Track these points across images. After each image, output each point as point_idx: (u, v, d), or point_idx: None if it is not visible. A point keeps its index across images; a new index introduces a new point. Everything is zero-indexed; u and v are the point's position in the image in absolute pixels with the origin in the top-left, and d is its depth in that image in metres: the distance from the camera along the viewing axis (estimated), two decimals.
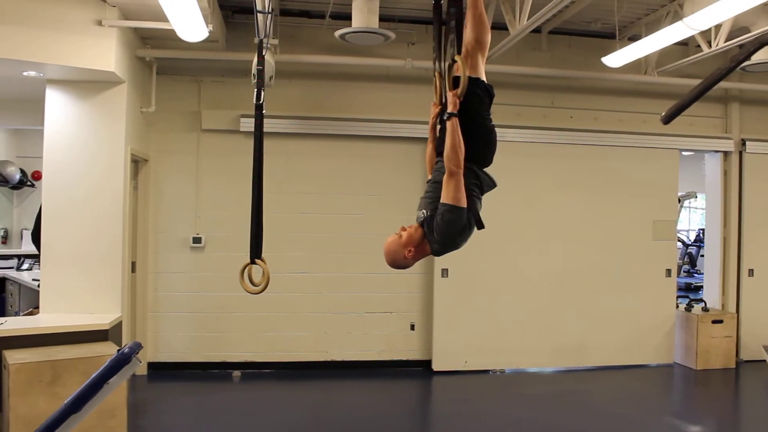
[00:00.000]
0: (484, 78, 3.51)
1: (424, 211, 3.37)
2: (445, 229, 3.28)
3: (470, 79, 3.31)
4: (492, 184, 3.54)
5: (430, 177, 3.56)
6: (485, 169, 3.49)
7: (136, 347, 2.85)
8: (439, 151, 3.46)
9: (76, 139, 5.88)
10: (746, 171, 8.29)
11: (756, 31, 6.19)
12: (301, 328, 7.43)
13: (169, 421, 5.64)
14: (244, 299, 6.87)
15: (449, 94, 3.40)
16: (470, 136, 3.24)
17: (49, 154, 5.85)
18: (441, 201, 3.30)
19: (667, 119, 2.92)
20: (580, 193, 7.83)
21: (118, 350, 2.83)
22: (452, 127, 3.24)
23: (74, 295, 5.82)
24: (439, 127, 3.59)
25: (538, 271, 7.76)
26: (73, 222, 5.85)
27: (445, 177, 3.28)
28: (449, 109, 3.31)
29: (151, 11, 5.48)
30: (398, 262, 3.36)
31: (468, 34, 3.41)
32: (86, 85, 5.84)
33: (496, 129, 3.49)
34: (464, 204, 3.26)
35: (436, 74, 3.64)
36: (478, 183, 3.42)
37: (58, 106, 5.86)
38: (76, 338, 5.29)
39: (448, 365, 7.53)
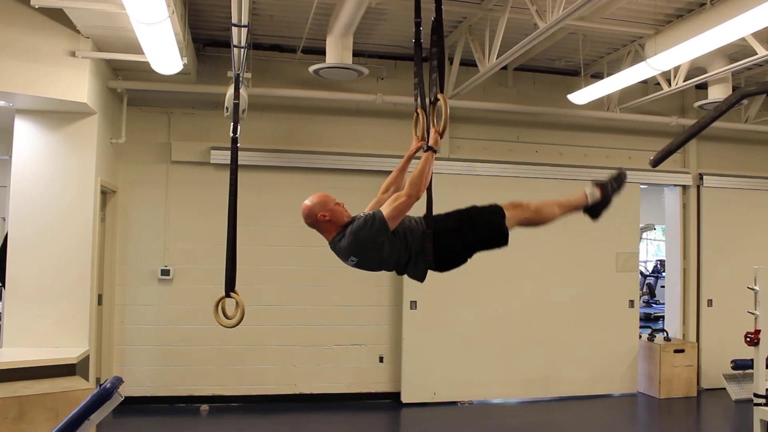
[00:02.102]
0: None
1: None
2: (357, 227, 3.39)
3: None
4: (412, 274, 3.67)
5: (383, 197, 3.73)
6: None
7: (118, 382, 2.84)
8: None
9: (45, 170, 5.83)
10: (704, 204, 8.55)
11: (712, 72, 6.47)
12: (269, 360, 7.38)
13: None
14: (212, 332, 6.86)
15: (432, 130, 3.53)
16: (450, 245, 3.58)
17: (16, 184, 5.77)
18: (379, 209, 3.42)
19: (656, 163, 3.06)
20: (546, 226, 7.95)
21: (100, 385, 2.81)
22: (428, 158, 3.39)
23: (39, 329, 5.70)
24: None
25: (505, 303, 7.85)
26: (40, 253, 5.77)
27: (398, 193, 3.42)
28: (430, 144, 3.45)
29: (124, 43, 5.51)
30: (311, 213, 3.51)
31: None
32: (57, 115, 5.81)
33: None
34: (390, 227, 3.38)
35: (419, 110, 3.75)
36: (411, 255, 3.54)
37: (26, 135, 5.82)
38: (42, 373, 5.18)
39: (417, 397, 7.54)
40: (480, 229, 3.74)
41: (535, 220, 3.86)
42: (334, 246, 3.58)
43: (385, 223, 3.38)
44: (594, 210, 4.02)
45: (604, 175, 4.09)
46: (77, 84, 5.53)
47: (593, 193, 3.94)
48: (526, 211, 3.80)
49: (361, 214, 3.49)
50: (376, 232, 3.38)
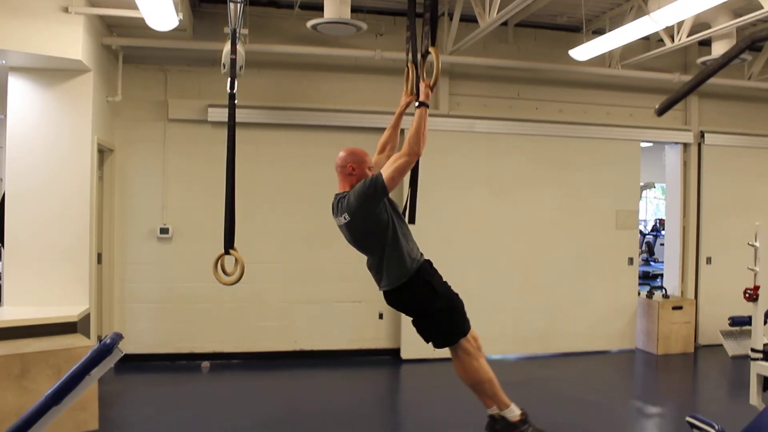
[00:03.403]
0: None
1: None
2: (359, 188, 3.44)
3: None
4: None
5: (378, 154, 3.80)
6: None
7: (117, 338, 2.84)
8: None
9: (41, 129, 5.78)
10: (705, 162, 8.51)
11: (715, 27, 6.37)
12: (269, 318, 7.42)
13: (139, 413, 5.59)
14: (212, 290, 6.85)
15: (422, 85, 3.51)
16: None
17: (12, 144, 5.74)
18: (380, 170, 3.46)
19: (661, 111, 3.02)
20: (546, 183, 7.96)
21: (100, 341, 2.81)
22: (420, 114, 3.38)
23: (39, 288, 5.73)
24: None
25: (505, 260, 7.87)
26: (38, 213, 5.76)
27: (397, 154, 3.42)
28: (421, 98, 3.43)
29: None
30: (345, 160, 3.67)
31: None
32: (51, 73, 5.73)
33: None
34: (389, 189, 3.42)
35: (409, 64, 3.72)
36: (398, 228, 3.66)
37: (21, 94, 5.76)
38: (44, 331, 5.21)
39: (417, 353, 7.58)
40: (441, 320, 3.86)
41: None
42: (337, 201, 3.61)
43: (382, 183, 3.40)
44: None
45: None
46: (71, 41, 5.44)
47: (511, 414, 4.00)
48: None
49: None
50: (375, 194, 3.40)
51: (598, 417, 5.65)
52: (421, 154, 3.46)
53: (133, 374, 6.76)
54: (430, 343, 3.86)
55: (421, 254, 3.80)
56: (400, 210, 3.83)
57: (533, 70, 7.86)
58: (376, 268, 3.73)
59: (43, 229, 5.76)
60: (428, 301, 3.76)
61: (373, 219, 3.53)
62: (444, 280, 3.84)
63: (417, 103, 3.47)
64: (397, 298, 3.77)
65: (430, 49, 3.48)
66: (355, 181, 3.63)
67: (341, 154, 3.70)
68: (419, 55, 3.65)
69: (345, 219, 3.61)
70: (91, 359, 2.76)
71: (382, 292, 3.87)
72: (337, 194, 3.74)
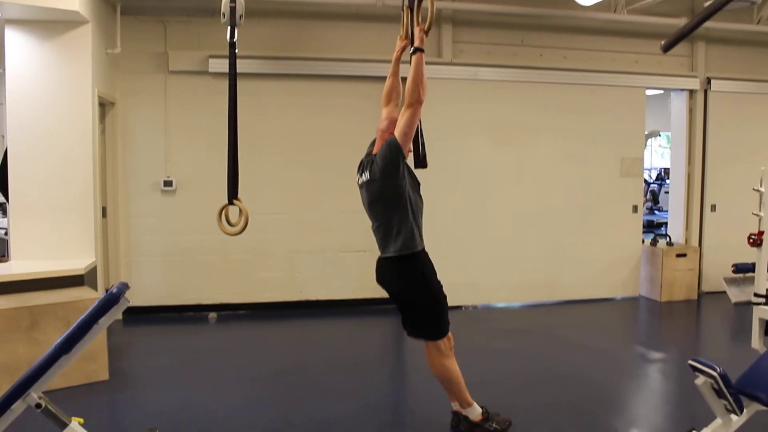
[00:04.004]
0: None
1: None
2: (381, 154, 3.44)
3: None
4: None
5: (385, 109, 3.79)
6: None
7: (124, 287, 2.87)
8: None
9: (40, 82, 5.73)
10: (711, 109, 8.43)
11: None
12: (275, 268, 7.47)
13: (149, 363, 5.67)
14: (217, 241, 6.92)
15: (416, 29, 3.46)
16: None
17: (12, 99, 5.69)
18: (393, 132, 3.45)
19: (667, 47, 2.97)
20: (550, 130, 7.90)
21: (107, 290, 2.84)
22: (417, 60, 3.33)
23: (46, 242, 5.75)
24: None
25: (508, 208, 7.87)
26: (42, 168, 5.75)
27: (402, 109, 3.39)
28: (416, 44, 3.38)
29: None
30: (389, 126, 3.65)
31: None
32: (48, 25, 5.66)
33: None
34: (405, 145, 3.40)
35: (405, 8, 3.67)
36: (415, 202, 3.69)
37: (19, 47, 5.69)
38: (52, 284, 5.25)
39: None
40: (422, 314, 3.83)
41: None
42: (366, 160, 3.61)
43: (398, 144, 3.38)
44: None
45: None
46: None
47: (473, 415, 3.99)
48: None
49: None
50: (392, 154, 3.40)
51: (602, 363, 5.72)
52: (423, 101, 3.42)
53: (141, 326, 6.85)
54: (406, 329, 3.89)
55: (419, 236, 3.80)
56: (418, 183, 3.80)
57: (537, 16, 7.73)
58: (383, 234, 3.70)
59: (47, 183, 5.76)
60: (417, 295, 3.74)
61: (393, 182, 3.51)
62: (437, 278, 3.83)
63: (412, 49, 3.42)
64: (391, 270, 3.73)
65: None
66: (385, 135, 3.63)
67: (387, 118, 3.70)
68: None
69: (366, 177, 3.61)
70: (98, 308, 2.79)
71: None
72: (368, 154, 3.72)
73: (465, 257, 7.74)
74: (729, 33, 8.18)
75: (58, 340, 2.80)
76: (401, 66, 4.01)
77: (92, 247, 5.91)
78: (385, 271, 3.80)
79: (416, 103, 3.37)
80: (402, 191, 3.55)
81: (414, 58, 3.35)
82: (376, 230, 3.79)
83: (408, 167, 3.66)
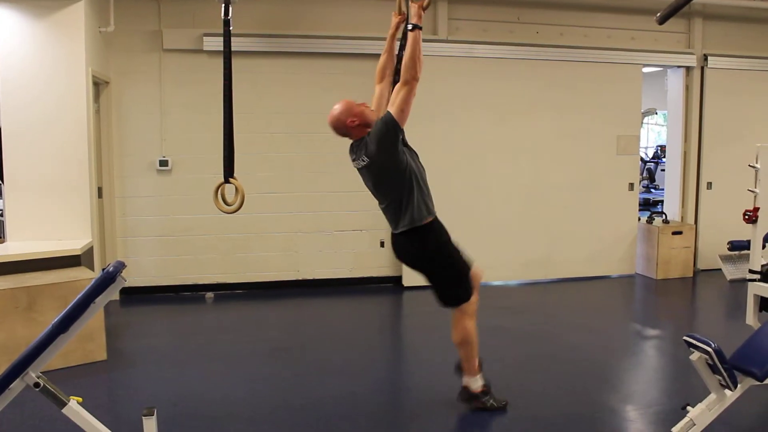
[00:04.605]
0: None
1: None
2: (375, 130, 3.39)
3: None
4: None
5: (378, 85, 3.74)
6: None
7: (120, 266, 2.87)
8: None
9: (33, 61, 5.69)
10: (707, 86, 8.40)
11: None
12: (271, 248, 7.47)
13: (146, 342, 5.69)
14: (213, 221, 6.93)
15: (413, 6, 3.43)
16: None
17: (4, 77, 5.65)
18: (387, 108, 3.41)
19: (662, 20, 2.96)
20: (546, 108, 7.88)
21: (103, 269, 2.84)
22: (414, 37, 3.31)
23: (42, 222, 5.75)
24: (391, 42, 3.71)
25: (505, 185, 7.87)
26: (36, 148, 5.73)
27: (398, 85, 3.36)
28: (413, 21, 3.36)
29: None
30: (339, 121, 3.54)
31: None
32: (41, 3, 5.62)
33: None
34: (402, 121, 3.37)
35: None
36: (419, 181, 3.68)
37: (11, 24, 5.65)
38: (48, 264, 5.26)
39: (419, 280, 7.50)
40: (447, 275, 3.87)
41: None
42: (353, 148, 3.57)
43: (393, 119, 3.36)
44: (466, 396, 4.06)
45: None
46: None
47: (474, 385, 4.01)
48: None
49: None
50: (389, 131, 3.38)
51: (598, 340, 5.75)
52: (419, 79, 3.40)
53: (138, 306, 6.86)
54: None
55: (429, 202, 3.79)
56: (416, 152, 3.78)
57: None
58: (393, 211, 3.70)
59: (42, 163, 5.74)
60: (436, 264, 3.78)
61: (393, 159, 3.49)
62: (453, 243, 3.84)
63: (410, 26, 3.39)
64: (406, 244, 3.75)
65: None
66: (363, 127, 3.58)
67: (332, 123, 3.63)
68: None
69: (364, 161, 3.58)
70: (95, 287, 2.79)
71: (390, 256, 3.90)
72: (354, 142, 3.69)
73: (461, 235, 7.67)
74: (726, 9, 8.14)
75: (56, 320, 2.80)
76: (396, 43, 3.98)
77: (88, 228, 5.90)
78: (401, 247, 3.83)
79: (413, 80, 3.36)
80: (404, 165, 3.54)
81: (411, 35, 3.32)
82: (386, 209, 3.79)
83: (408, 147, 3.64)
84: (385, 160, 3.51)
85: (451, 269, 3.81)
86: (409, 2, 3.47)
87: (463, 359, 4.01)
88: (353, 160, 3.74)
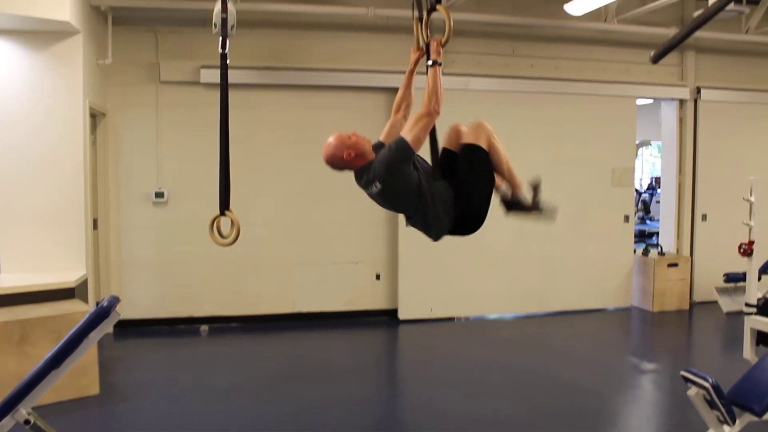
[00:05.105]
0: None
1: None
2: (384, 156, 3.35)
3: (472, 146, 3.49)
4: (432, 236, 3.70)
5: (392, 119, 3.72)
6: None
7: (115, 301, 2.85)
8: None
9: (32, 93, 5.71)
10: (701, 118, 8.47)
11: None
12: (267, 280, 7.44)
13: (140, 377, 5.63)
14: (208, 253, 6.88)
15: (433, 42, 3.46)
16: (467, 195, 3.54)
17: (2, 109, 5.66)
18: (400, 133, 3.39)
19: (656, 58, 2.99)
20: (541, 140, 7.92)
21: (97, 304, 2.82)
22: (434, 73, 3.32)
23: (36, 254, 5.72)
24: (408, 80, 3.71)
25: (500, 218, 7.84)
26: (32, 179, 5.72)
27: (417, 114, 3.36)
28: (432, 57, 3.38)
29: None
30: (335, 157, 3.45)
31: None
32: (39, 35, 5.64)
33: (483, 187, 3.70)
34: (416, 149, 3.34)
35: (415, 20, 3.66)
36: (437, 214, 3.54)
37: (9, 58, 5.67)
38: (42, 297, 5.23)
39: (414, 314, 7.65)
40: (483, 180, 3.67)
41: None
42: (360, 176, 3.53)
43: (408, 146, 3.33)
44: (514, 204, 3.98)
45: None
46: (59, 2, 5.33)
47: (527, 191, 3.90)
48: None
49: (383, 142, 3.47)
50: (403, 157, 3.35)
51: (595, 373, 5.72)
52: (439, 113, 3.41)
53: (132, 339, 6.80)
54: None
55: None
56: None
57: (528, 26, 7.76)
58: (421, 225, 3.66)
59: (38, 194, 5.72)
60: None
61: (406, 180, 3.45)
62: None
63: (430, 62, 3.42)
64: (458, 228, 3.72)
65: (438, 7, 3.45)
66: (359, 158, 3.54)
67: (327, 159, 3.54)
68: (424, 12, 3.60)
69: (377, 188, 3.54)
70: (89, 322, 2.77)
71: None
72: (357, 172, 3.64)
73: (458, 268, 7.74)
74: (718, 42, 8.24)
75: (48, 355, 2.77)
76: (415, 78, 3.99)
77: (83, 260, 5.88)
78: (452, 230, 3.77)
79: (434, 113, 3.36)
80: (418, 181, 3.48)
81: (431, 70, 3.34)
82: (413, 225, 3.75)
83: (418, 161, 3.58)
84: (399, 183, 3.47)
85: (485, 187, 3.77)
86: (429, 39, 3.51)
87: (510, 175, 3.94)
88: (364, 188, 3.69)
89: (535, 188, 3.95)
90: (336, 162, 3.47)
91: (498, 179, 3.83)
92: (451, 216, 3.63)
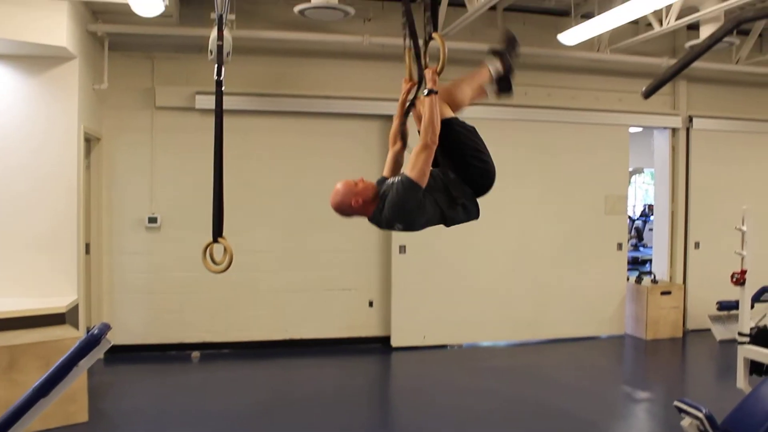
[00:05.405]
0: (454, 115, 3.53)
1: (393, 179, 3.41)
2: (395, 198, 3.32)
3: (445, 121, 3.37)
4: (475, 215, 3.61)
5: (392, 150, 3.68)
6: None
7: (105, 328, 2.81)
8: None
9: (26, 117, 5.72)
10: (693, 147, 8.54)
11: (704, 11, 6.36)
12: (259, 306, 7.40)
13: (130, 404, 5.57)
14: (201, 279, 6.84)
15: (428, 71, 3.46)
16: (462, 164, 3.39)
17: None
18: (402, 171, 3.37)
19: (647, 94, 3.02)
20: (535, 168, 7.96)
21: (88, 330, 2.79)
22: (430, 103, 3.30)
23: (27, 279, 5.68)
24: (408, 104, 3.66)
25: (493, 246, 7.87)
26: (25, 202, 5.70)
27: (416, 148, 3.33)
28: (428, 86, 3.37)
29: None
30: (343, 206, 3.41)
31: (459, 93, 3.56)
32: (35, 60, 5.66)
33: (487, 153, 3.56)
34: (423, 184, 3.31)
35: (407, 51, 3.66)
36: (465, 203, 3.50)
37: (4, 81, 5.68)
38: (32, 323, 5.18)
39: (407, 341, 7.61)
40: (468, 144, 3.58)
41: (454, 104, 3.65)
42: (376, 220, 3.51)
43: (415, 184, 3.31)
44: (503, 83, 3.84)
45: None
46: (55, 27, 5.37)
47: (495, 66, 3.76)
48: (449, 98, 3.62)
49: (388, 180, 3.43)
50: (411, 196, 3.33)
51: (589, 402, 5.68)
52: (437, 143, 3.40)
53: (122, 365, 6.73)
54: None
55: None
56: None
57: (522, 55, 7.77)
58: (458, 219, 3.63)
59: (31, 219, 5.70)
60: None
61: (423, 210, 3.43)
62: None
63: (426, 91, 3.42)
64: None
65: (434, 35, 3.46)
66: (367, 203, 3.50)
67: (336, 208, 3.50)
68: (421, 42, 3.60)
69: (400, 227, 3.54)
70: (78, 350, 2.73)
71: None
72: (371, 218, 3.61)
73: (451, 294, 7.72)
74: (710, 72, 8.33)
75: (36, 384, 2.73)
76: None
77: (75, 284, 5.84)
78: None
79: (432, 144, 3.35)
80: (432, 205, 3.46)
81: (427, 100, 3.33)
82: (453, 224, 3.71)
83: (432, 196, 3.55)
84: (418, 217, 3.46)
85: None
86: (424, 68, 3.51)
87: (475, 88, 3.78)
88: (381, 228, 3.67)
89: (509, 42, 3.80)
90: (344, 209, 3.44)
91: (479, 92, 3.71)
92: (467, 191, 3.54)
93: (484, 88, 3.84)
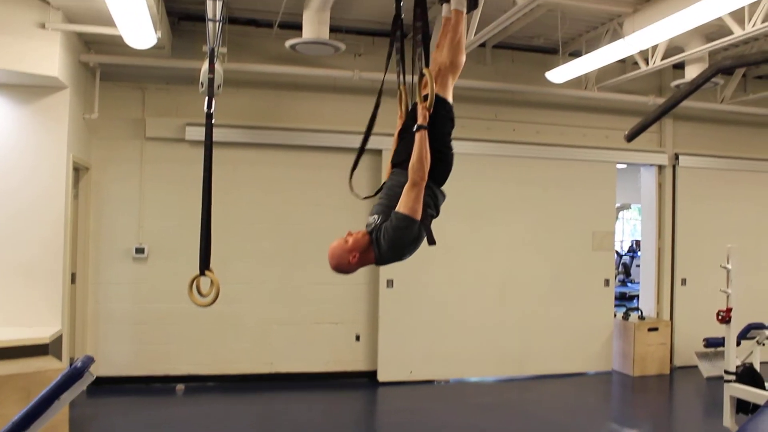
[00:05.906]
0: (451, 100, 3.58)
1: (376, 216, 3.40)
2: (394, 238, 3.32)
3: (439, 99, 3.39)
4: (442, 199, 3.61)
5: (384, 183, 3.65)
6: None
7: (89, 361, 2.79)
8: (395, 162, 3.52)
9: (15, 145, 5.71)
10: (679, 184, 8.62)
11: (689, 51, 6.49)
12: (245, 339, 7.34)
13: None
14: (187, 311, 6.75)
15: (419, 107, 3.48)
16: (432, 155, 3.31)
17: None
18: (396, 210, 3.36)
19: (630, 137, 3.05)
20: (522, 204, 8.00)
21: (71, 363, 2.76)
22: (420, 138, 3.32)
23: (11, 308, 5.61)
24: (397, 138, 3.67)
25: (481, 281, 7.87)
26: (11, 231, 5.66)
27: (407, 186, 3.34)
28: (419, 122, 3.39)
29: (95, 15, 5.37)
30: (342, 266, 3.40)
31: (444, 55, 3.52)
32: (27, 89, 5.68)
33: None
34: (419, 217, 3.31)
35: (401, 87, 3.70)
36: (434, 201, 3.48)
37: None
38: (14, 353, 5.09)
39: (394, 376, 7.55)
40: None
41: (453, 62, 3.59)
42: (383, 261, 3.51)
43: (411, 219, 3.32)
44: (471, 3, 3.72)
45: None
46: (47, 57, 5.40)
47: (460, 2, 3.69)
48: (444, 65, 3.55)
49: (372, 220, 3.40)
50: (409, 233, 3.34)
51: None
52: (426, 179, 3.41)
53: (106, 397, 6.64)
54: None
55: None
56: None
57: (510, 92, 7.93)
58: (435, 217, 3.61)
59: (16, 247, 5.66)
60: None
61: (420, 236, 3.45)
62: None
63: (416, 127, 3.44)
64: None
65: (425, 71, 3.49)
66: (364, 254, 3.50)
67: (336, 269, 3.48)
68: (414, 78, 3.63)
69: (404, 258, 3.54)
70: (60, 383, 2.70)
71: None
72: (376, 262, 3.61)
73: (438, 329, 7.69)
74: (695, 111, 8.46)
75: (16, 417, 2.70)
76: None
77: (59, 314, 5.77)
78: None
79: (421, 181, 3.37)
80: (427, 224, 3.46)
81: (417, 135, 3.35)
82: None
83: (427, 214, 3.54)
84: (418, 242, 3.47)
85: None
86: (419, 103, 3.52)
87: (455, 29, 3.69)
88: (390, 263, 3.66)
89: None
90: (345, 269, 3.44)
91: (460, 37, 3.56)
92: (435, 191, 3.45)
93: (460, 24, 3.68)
